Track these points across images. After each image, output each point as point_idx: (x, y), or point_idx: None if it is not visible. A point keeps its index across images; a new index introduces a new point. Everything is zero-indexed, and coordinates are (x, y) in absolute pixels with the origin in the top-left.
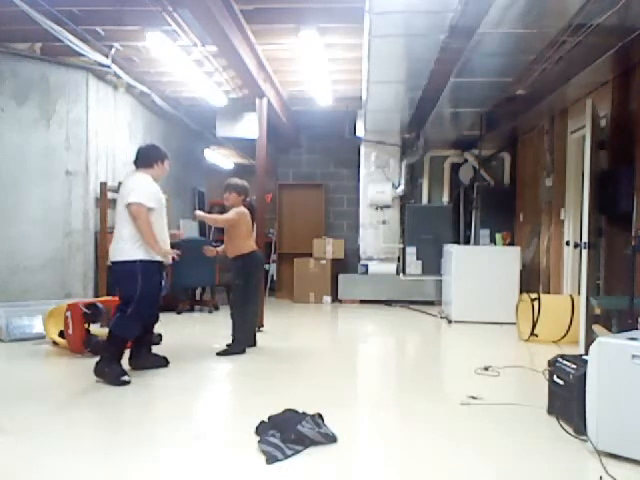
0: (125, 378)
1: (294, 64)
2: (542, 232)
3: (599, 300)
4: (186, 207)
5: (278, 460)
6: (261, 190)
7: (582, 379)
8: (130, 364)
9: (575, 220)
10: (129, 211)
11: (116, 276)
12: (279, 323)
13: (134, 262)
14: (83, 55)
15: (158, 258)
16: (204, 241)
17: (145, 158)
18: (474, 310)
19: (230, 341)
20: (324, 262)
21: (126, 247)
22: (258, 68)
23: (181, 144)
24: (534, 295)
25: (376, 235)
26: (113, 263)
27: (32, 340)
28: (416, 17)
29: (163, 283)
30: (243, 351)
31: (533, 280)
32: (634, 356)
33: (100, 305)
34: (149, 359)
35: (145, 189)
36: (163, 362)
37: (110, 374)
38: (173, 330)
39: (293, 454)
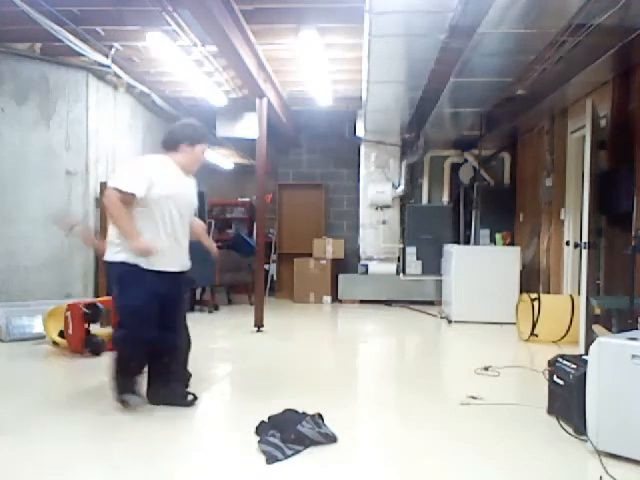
0: (126, 397)
1: (294, 64)
2: (542, 232)
3: (599, 300)
4: None
5: (278, 460)
6: (261, 190)
7: (582, 379)
8: (147, 396)
9: (575, 220)
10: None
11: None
12: (279, 323)
13: (113, 264)
14: (83, 55)
15: (152, 266)
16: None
17: (169, 138)
18: (474, 310)
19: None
20: (324, 262)
21: (109, 246)
22: (258, 68)
23: None
24: (534, 295)
25: (376, 235)
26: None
27: (32, 340)
28: (416, 17)
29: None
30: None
31: (533, 280)
32: (634, 356)
33: (100, 305)
34: (166, 394)
35: (133, 171)
36: (184, 401)
37: (114, 388)
38: None
39: (293, 454)
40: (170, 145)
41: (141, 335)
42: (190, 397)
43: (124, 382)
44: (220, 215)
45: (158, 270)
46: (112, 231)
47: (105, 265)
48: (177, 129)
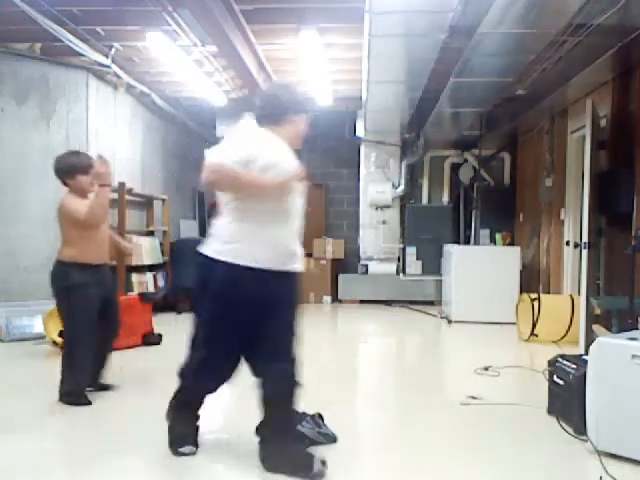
0: (185, 449)
1: (294, 64)
2: (542, 232)
3: (599, 300)
4: (186, 207)
5: None
6: None
7: (582, 379)
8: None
9: (575, 220)
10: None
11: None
12: None
13: (226, 264)
14: (83, 55)
15: (284, 265)
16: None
17: (271, 107)
18: (474, 310)
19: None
20: (324, 262)
21: (217, 242)
22: (258, 68)
23: (181, 144)
24: (534, 295)
25: (376, 235)
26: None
27: (32, 340)
28: (416, 17)
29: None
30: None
31: (533, 280)
32: (634, 356)
33: None
34: (284, 460)
35: (241, 146)
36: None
37: (169, 433)
38: (173, 330)
39: None
40: (274, 116)
41: (228, 363)
42: (318, 467)
43: (185, 429)
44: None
45: (283, 270)
46: (225, 227)
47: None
48: (281, 95)
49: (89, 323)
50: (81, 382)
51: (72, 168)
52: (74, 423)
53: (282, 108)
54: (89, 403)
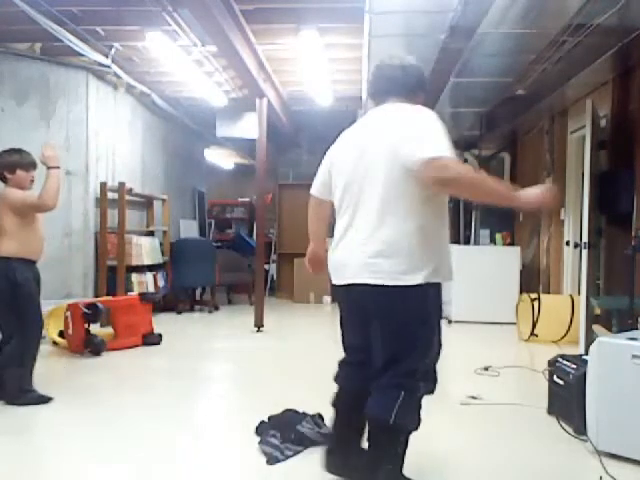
0: None
1: (294, 64)
2: (542, 232)
3: (599, 300)
4: (186, 207)
5: (279, 461)
6: (261, 190)
7: (582, 379)
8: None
9: (575, 220)
10: (424, 173)
11: (377, 314)
12: (279, 323)
13: (421, 287)
14: (83, 55)
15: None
16: (204, 241)
17: (410, 81)
18: (474, 310)
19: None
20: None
21: (408, 261)
22: (258, 68)
23: (181, 144)
24: (534, 295)
25: None
26: (370, 288)
27: None
28: (416, 17)
29: None
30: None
31: (533, 280)
32: (634, 356)
33: (100, 305)
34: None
35: (443, 131)
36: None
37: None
38: (173, 330)
39: (293, 454)
40: (412, 91)
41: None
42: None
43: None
44: (220, 215)
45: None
46: (395, 233)
47: (383, 292)
48: (416, 70)
49: (40, 321)
50: (28, 380)
51: (14, 163)
52: (73, 423)
53: (417, 83)
54: (49, 399)
